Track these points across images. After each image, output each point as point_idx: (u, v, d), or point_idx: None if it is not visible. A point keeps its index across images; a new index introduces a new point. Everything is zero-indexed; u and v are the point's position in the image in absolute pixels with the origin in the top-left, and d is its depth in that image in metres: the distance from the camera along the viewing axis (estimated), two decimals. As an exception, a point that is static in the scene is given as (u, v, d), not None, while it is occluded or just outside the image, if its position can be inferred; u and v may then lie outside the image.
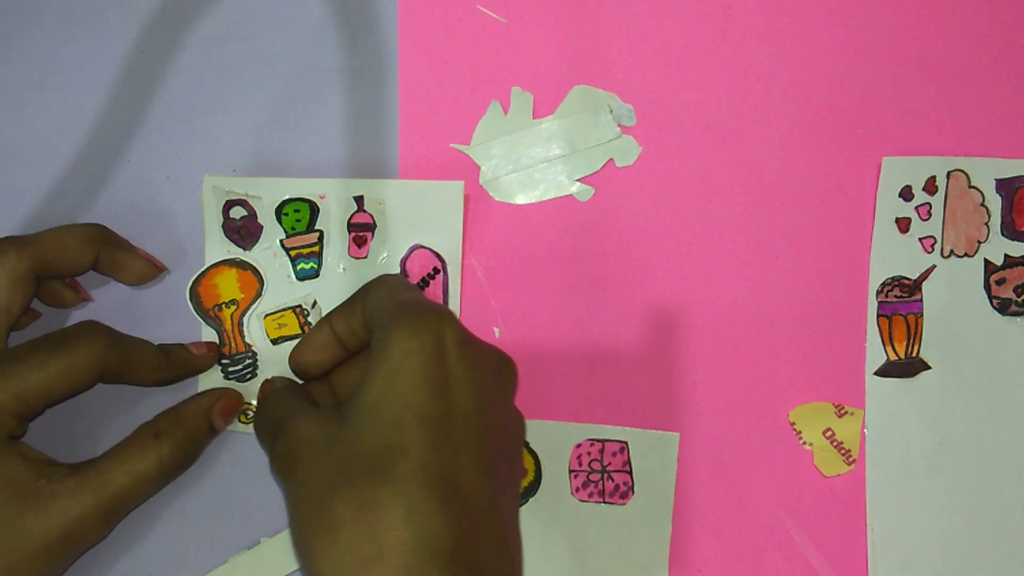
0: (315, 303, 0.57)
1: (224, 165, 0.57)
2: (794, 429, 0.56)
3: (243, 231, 0.57)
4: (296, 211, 0.57)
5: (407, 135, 0.57)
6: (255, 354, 0.57)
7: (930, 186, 0.56)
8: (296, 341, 0.55)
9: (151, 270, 0.55)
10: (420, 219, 0.56)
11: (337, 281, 0.57)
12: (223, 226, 0.57)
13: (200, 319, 0.57)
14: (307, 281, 0.57)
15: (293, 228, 0.57)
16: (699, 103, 0.56)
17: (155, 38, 0.58)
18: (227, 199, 0.57)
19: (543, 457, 0.56)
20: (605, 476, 0.56)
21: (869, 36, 0.56)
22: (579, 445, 0.56)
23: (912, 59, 0.56)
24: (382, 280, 0.50)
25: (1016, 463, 0.56)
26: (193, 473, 0.55)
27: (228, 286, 0.57)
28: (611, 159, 0.57)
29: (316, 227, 0.57)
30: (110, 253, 0.54)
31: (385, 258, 0.57)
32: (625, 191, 0.57)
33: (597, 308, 0.56)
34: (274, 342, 0.57)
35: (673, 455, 0.56)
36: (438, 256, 0.56)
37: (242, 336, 0.57)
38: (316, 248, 0.57)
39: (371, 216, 0.57)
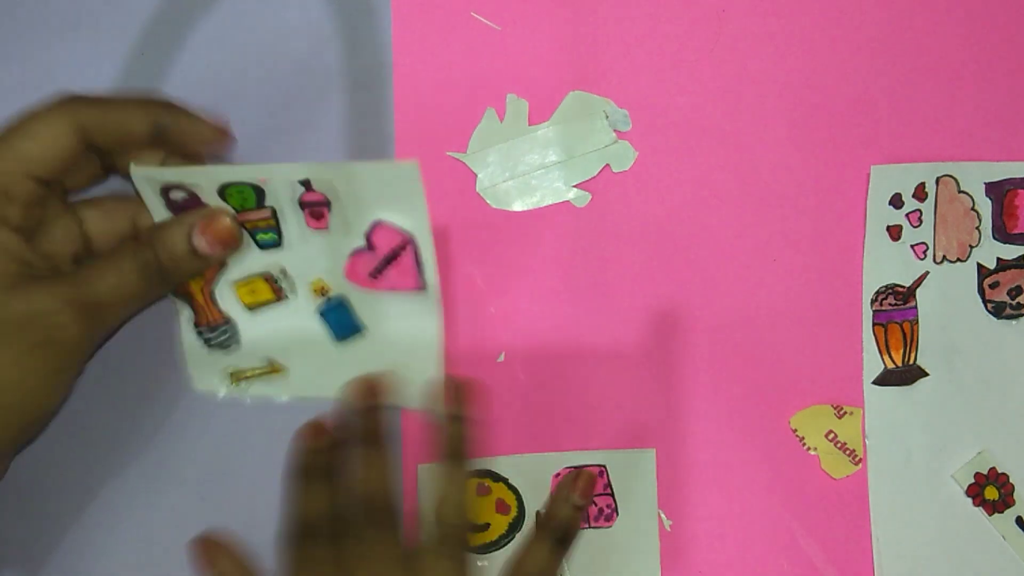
0: (285, 271, 0.55)
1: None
2: (797, 435, 0.56)
3: (190, 209, 0.53)
4: (240, 192, 0.52)
5: (403, 143, 0.57)
6: (234, 323, 0.56)
7: (920, 193, 0.56)
8: (272, 306, 0.55)
9: (218, 135, 0.52)
10: (378, 200, 0.52)
11: (303, 249, 0.54)
12: (167, 207, 0.53)
13: (171, 297, 0.55)
14: (270, 250, 0.54)
15: (242, 206, 0.53)
16: (694, 107, 0.57)
17: (153, 42, 0.57)
18: (162, 186, 0.52)
19: (524, 491, 0.56)
20: None
21: (859, 41, 0.57)
22: (558, 475, 0.55)
23: (900, 64, 0.57)
24: None
25: (1017, 465, 0.55)
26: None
27: None
28: (607, 164, 0.57)
29: (266, 204, 0.53)
30: (172, 119, 0.51)
31: (349, 230, 0.53)
32: (622, 196, 0.57)
33: (596, 313, 0.56)
34: (250, 308, 0.55)
35: (651, 471, 0.56)
36: (402, 233, 0.53)
37: (216, 306, 0.55)
38: (272, 221, 0.53)
39: (323, 195, 0.52)
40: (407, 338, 0.55)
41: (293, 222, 0.53)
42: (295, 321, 0.56)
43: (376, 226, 0.53)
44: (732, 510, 0.55)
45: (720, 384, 0.56)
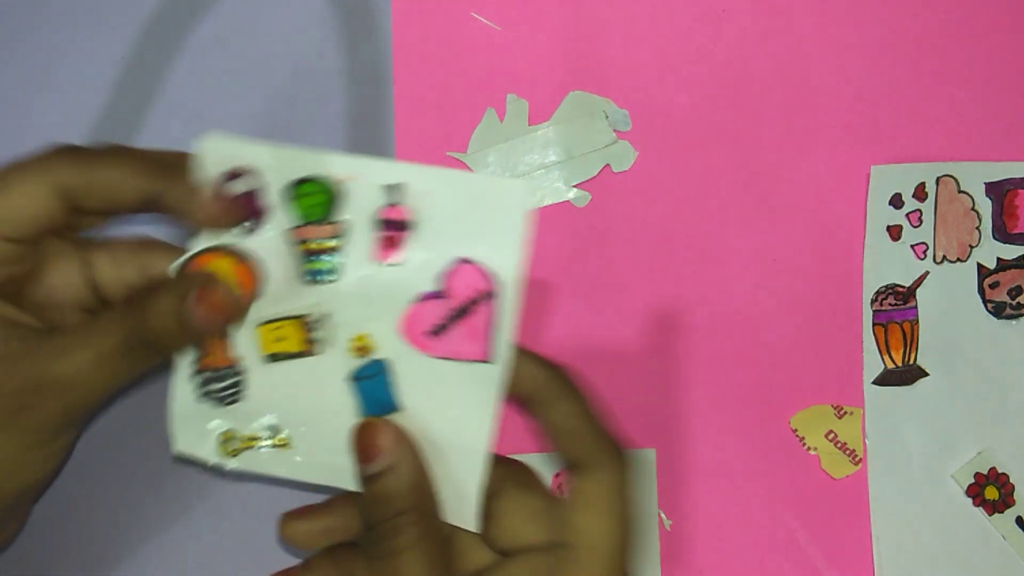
0: (326, 315, 0.45)
1: (222, 167, 0.57)
2: (797, 435, 0.56)
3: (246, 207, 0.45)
4: (312, 195, 0.44)
5: (403, 144, 0.57)
6: (242, 371, 0.46)
7: (920, 193, 0.56)
8: (295, 361, 0.45)
9: (211, 217, 0.45)
10: (471, 225, 0.43)
11: (356, 290, 0.45)
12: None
13: None
14: (319, 285, 0.45)
15: (307, 215, 0.45)
16: (694, 107, 0.57)
17: (154, 41, 0.58)
18: (229, 168, 0.45)
19: None
20: None
21: (859, 41, 0.57)
22: (558, 474, 0.55)
23: (900, 64, 0.57)
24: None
25: (1017, 465, 0.55)
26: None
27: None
28: (607, 164, 0.57)
29: (336, 218, 0.44)
30: (167, 187, 0.44)
31: (422, 268, 0.44)
32: (621, 196, 0.56)
33: (595, 313, 0.56)
34: (269, 359, 0.46)
35: (651, 471, 0.55)
36: (489, 276, 0.43)
37: (228, 347, 0.46)
38: (335, 245, 0.45)
39: (407, 212, 0.44)
40: (449, 430, 0.45)
41: (361, 249, 0.45)
42: (318, 384, 0.46)
43: (459, 265, 0.44)
44: (732, 510, 0.55)
45: (720, 384, 0.56)
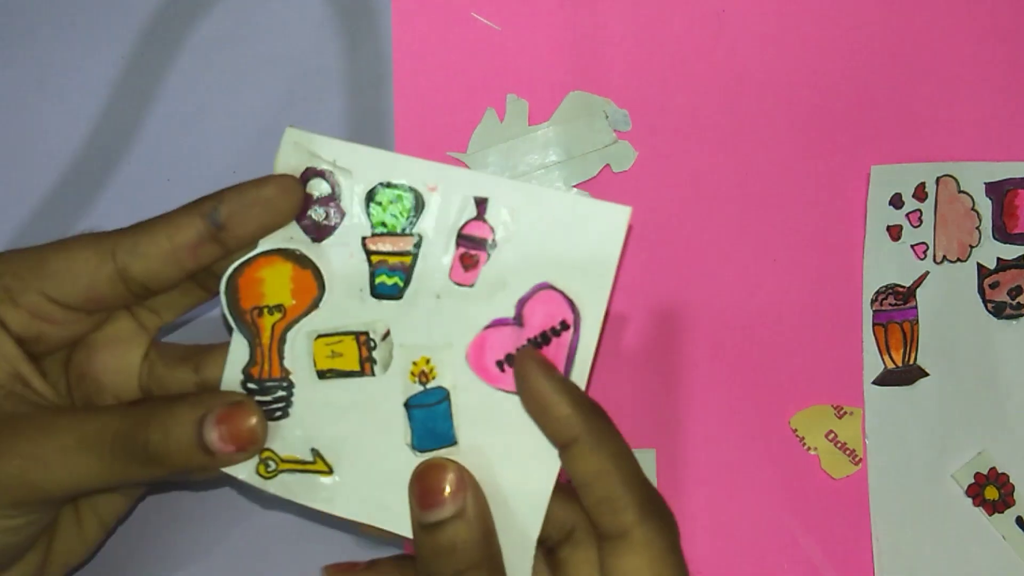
0: (387, 334, 0.43)
1: (223, 167, 0.57)
2: (797, 435, 0.56)
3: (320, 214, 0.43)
4: (393, 201, 0.42)
5: (403, 144, 0.57)
6: (291, 385, 0.43)
7: (920, 193, 0.56)
8: (348, 380, 0.43)
9: (282, 191, 0.42)
10: (559, 249, 0.41)
11: (424, 311, 0.42)
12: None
13: (232, 322, 0.43)
14: (384, 301, 0.43)
15: (384, 224, 0.42)
16: (694, 107, 0.57)
17: (154, 41, 0.57)
18: (308, 166, 0.43)
19: None
20: None
21: (859, 41, 0.57)
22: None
23: (900, 64, 0.57)
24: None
25: (1017, 465, 0.55)
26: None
27: (277, 285, 0.43)
28: (607, 164, 0.57)
29: (415, 229, 0.42)
30: (221, 202, 0.42)
31: (499, 291, 0.42)
32: (621, 196, 0.55)
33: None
34: (320, 375, 0.43)
35: (651, 471, 0.55)
36: (571, 305, 0.41)
37: (280, 357, 0.43)
38: (408, 259, 0.42)
39: (491, 230, 0.42)
40: (508, 473, 0.42)
41: (434, 265, 0.42)
42: (371, 409, 0.43)
43: (539, 291, 0.42)
44: (732, 510, 0.55)
45: (720, 384, 0.56)
